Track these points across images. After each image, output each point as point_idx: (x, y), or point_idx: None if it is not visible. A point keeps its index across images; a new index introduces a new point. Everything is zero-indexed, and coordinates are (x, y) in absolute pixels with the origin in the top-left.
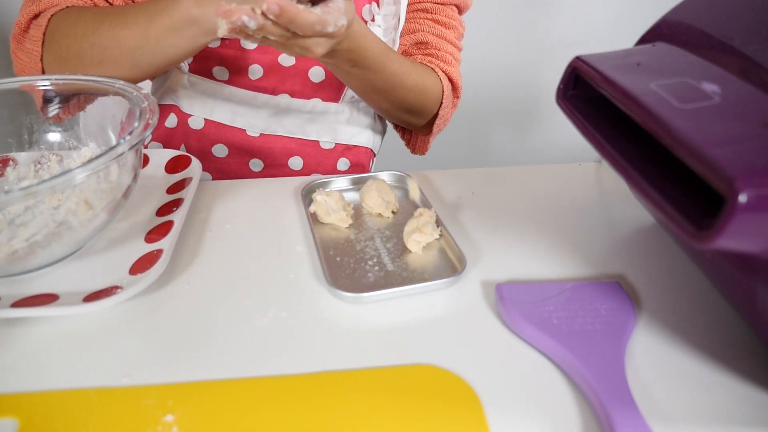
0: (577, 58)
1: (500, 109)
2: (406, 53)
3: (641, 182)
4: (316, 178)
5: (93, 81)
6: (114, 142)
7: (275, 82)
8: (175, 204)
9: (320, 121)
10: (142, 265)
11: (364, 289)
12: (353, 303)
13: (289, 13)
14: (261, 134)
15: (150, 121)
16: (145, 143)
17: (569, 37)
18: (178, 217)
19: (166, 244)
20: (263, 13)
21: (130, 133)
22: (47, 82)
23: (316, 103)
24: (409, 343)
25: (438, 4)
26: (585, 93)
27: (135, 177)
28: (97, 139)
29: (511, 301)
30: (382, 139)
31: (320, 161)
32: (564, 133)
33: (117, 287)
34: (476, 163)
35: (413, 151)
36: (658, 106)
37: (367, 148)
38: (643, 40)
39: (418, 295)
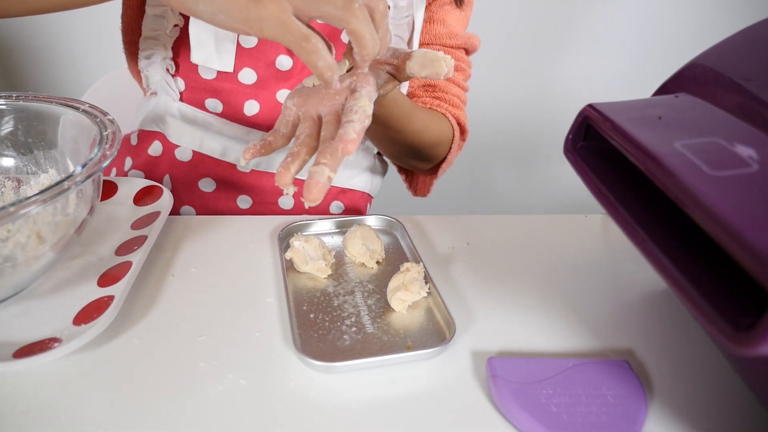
0: (590, 107)
1: (502, 146)
2: (413, 95)
3: (665, 263)
4: (295, 219)
5: (57, 102)
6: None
7: (271, 120)
8: (138, 242)
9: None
10: (88, 313)
11: (338, 357)
12: (324, 372)
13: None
14: (252, 170)
15: (108, 153)
16: (126, 171)
17: (574, 75)
18: (137, 257)
19: (118, 290)
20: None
21: (83, 165)
22: (1, 101)
23: None
24: (386, 422)
25: (447, 47)
26: (596, 145)
27: (91, 210)
28: (57, 165)
29: (504, 380)
30: (383, 179)
31: None
32: (568, 173)
33: (55, 340)
34: (477, 201)
35: (415, 193)
36: (685, 171)
37: (363, 192)
38: (664, 89)
39: (399, 365)
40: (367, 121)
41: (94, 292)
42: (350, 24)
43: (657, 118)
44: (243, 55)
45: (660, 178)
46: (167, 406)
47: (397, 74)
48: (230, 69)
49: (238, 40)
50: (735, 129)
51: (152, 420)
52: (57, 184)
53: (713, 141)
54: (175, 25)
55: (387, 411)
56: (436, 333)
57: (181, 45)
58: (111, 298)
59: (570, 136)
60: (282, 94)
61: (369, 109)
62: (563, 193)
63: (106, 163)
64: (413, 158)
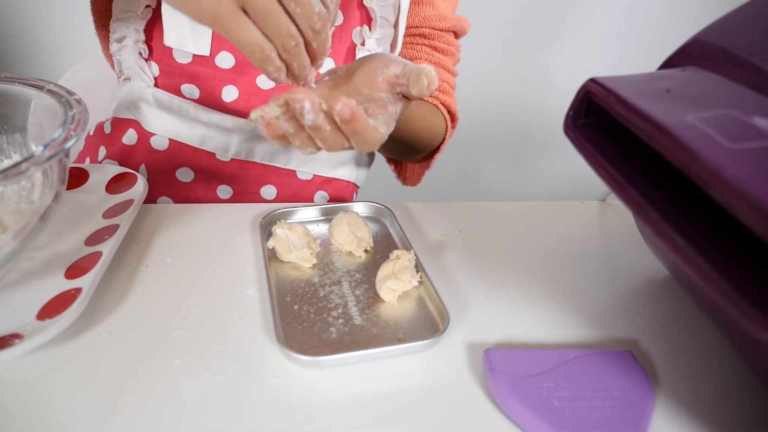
0: (592, 81)
1: (493, 135)
2: None
3: (681, 244)
4: (278, 206)
5: (19, 81)
6: None
7: (251, 107)
8: (110, 231)
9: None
10: (54, 307)
11: (324, 351)
12: (310, 367)
13: (358, 123)
14: (232, 159)
15: (73, 133)
16: (99, 161)
17: (566, 62)
18: (107, 247)
19: (87, 281)
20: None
21: (45, 146)
22: None
23: None
24: (376, 419)
25: (436, 30)
26: (598, 122)
27: (56, 197)
28: (22, 150)
29: (503, 373)
30: (368, 170)
31: (295, 192)
32: (559, 165)
33: (16, 336)
34: (467, 191)
35: (404, 183)
36: (702, 144)
37: (348, 182)
38: (670, 63)
39: (390, 358)
40: (375, 135)
41: (60, 285)
42: (282, 53)
43: (665, 91)
44: (220, 38)
45: (674, 152)
46: (139, 407)
47: (407, 95)
48: (206, 52)
49: None
50: (749, 101)
51: (123, 422)
52: (15, 165)
53: (728, 113)
54: (147, 6)
55: (377, 407)
56: (429, 324)
57: (154, 27)
58: (78, 290)
59: (570, 113)
60: (262, 79)
61: (382, 128)
62: (554, 185)
63: (70, 143)
64: (405, 153)
